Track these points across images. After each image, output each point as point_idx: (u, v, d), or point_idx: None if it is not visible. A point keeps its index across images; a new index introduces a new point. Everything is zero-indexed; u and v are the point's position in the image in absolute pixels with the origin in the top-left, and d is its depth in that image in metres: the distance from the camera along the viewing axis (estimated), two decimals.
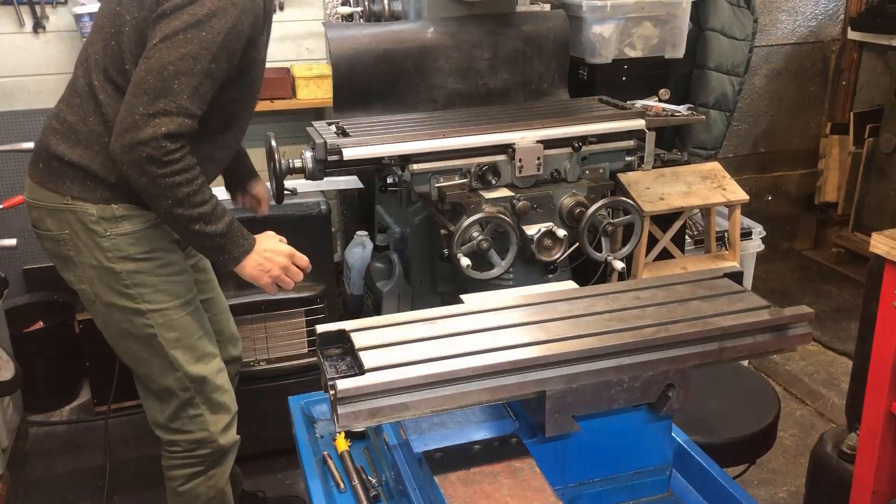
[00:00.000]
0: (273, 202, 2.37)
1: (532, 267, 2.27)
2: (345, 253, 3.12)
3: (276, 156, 2.18)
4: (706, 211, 3.02)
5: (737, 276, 1.58)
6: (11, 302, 3.34)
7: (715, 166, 3.09)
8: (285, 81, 3.45)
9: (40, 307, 3.43)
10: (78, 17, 3.20)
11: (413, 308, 2.60)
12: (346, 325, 1.40)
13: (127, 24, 1.82)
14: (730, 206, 2.98)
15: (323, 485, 1.58)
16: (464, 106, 2.68)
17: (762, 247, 3.41)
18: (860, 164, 4.39)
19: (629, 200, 2.32)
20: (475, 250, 2.13)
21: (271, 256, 1.94)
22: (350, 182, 3.01)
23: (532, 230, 2.19)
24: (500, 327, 1.40)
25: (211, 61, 1.75)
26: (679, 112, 2.53)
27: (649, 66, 3.01)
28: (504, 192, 2.22)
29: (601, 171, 2.37)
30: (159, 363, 2.01)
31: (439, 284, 2.56)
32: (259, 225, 1.99)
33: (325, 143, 2.16)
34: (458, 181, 2.22)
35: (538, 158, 2.24)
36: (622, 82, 2.96)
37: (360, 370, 1.27)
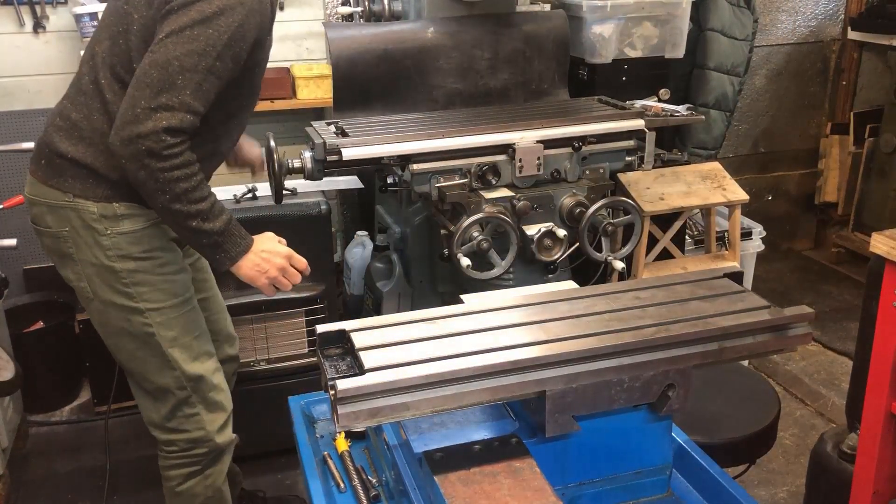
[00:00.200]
0: (274, 202, 2.37)
1: (532, 267, 2.27)
2: (345, 253, 3.12)
3: (276, 156, 2.18)
4: (706, 211, 3.02)
5: (737, 276, 1.58)
6: (11, 302, 3.34)
7: (715, 166, 3.09)
8: (285, 81, 3.45)
9: (40, 307, 3.43)
10: (78, 17, 3.20)
11: (413, 308, 2.60)
12: (346, 325, 1.40)
13: (135, 23, 1.82)
14: (730, 206, 2.98)
15: (323, 485, 1.58)
16: (464, 106, 2.68)
17: (762, 247, 3.41)
18: (860, 164, 4.39)
19: (629, 200, 2.32)
20: (475, 250, 2.13)
21: (268, 257, 1.93)
22: (350, 182, 3.01)
23: (532, 230, 2.19)
24: (500, 327, 1.40)
25: (216, 59, 1.75)
26: (678, 112, 2.53)
27: (649, 66, 3.01)
28: (504, 192, 2.22)
29: (601, 171, 2.37)
30: (156, 362, 2.01)
31: (439, 284, 2.56)
32: (259, 226, 1.99)
33: (325, 143, 2.16)
34: (458, 181, 2.22)
35: (538, 158, 2.24)
36: (622, 82, 2.96)
37: (360, 370, 1.27)
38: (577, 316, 1.44)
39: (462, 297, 1.60)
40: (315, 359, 1.41)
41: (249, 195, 2.75)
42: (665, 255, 3.05)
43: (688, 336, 1.37)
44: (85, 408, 3.39)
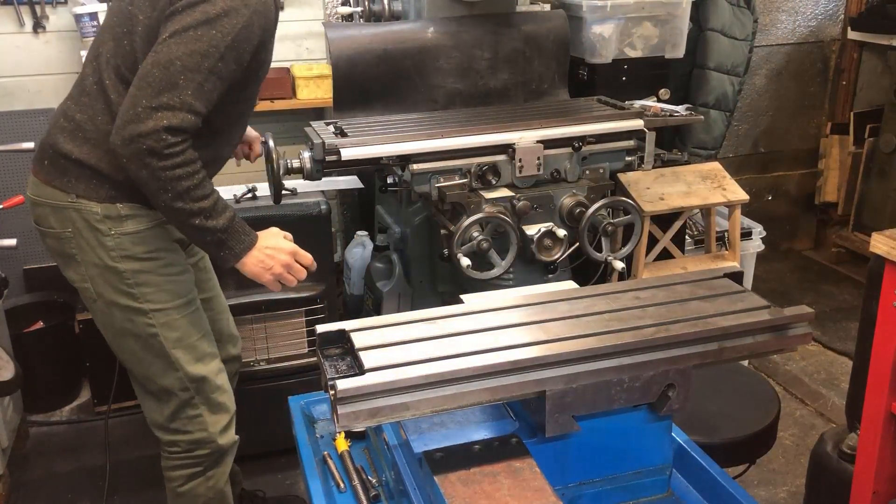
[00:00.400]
0: (273, 202, 2.37)
1: (532, 267, 2.27)
2: (345, 253, 3.12)
3: (275, 156, 2.18)
4: (706, 211, 3.02)
5: (737, 276, 1.58)
6: (11, 302, 3.34)
7: (715, 166, 3.09)
8: (285, 81, 3.45)
9: (40, 307, 3.43)
10: (78, 17, 3.20)
11: (413, 308, 2.60)
12: (346, 325, 1.40)
13: (140, 24, 1.82)
14: (730, 206, 2.98)
15: (323, 485, 1.58)
16: (464, 106, 2.68)
17: (762, 247, 3.41)
18: (860, 164, 4.39)
19: (629, 200, 2.32)
20: (475, 250, 2.13)
21: (273, 254, 1.93)
22: (350, 182, 3.01)
23: (532, 230, 2.19)
24: (500, 327, 1.40)
25: (219, 60, 1.75)
26: (678, 112, 2.53)
27: (649, 66, 3.01)
28: (504, 192, 2.22)
29: (601, 171, 2.37)
30: (160, 363, 2.01)
31: (439, 284, 2.56)
32: (259, 226, 1.99)
33: (324, 143, 2.16)
34: (458, 181, 2.22)
35: (538, 158, 2.24)
36: (622, 82, 2.96)
37: (360, 370, 1.27)
38: (577, 316, 1.44)
39: (462, 297, 1.59)
40: (315, 359, 1.41)
41: (249, 195, 2.75)
42: (665, 255, 3.05)
43: (688, 336, 1.37)
44: (85, 408, 3.39)
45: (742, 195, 2.97)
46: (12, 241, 2.84)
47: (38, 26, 3.35)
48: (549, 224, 2.21)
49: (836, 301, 4.21)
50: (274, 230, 1.98)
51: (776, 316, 1.42)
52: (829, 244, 4.72)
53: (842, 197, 4.58)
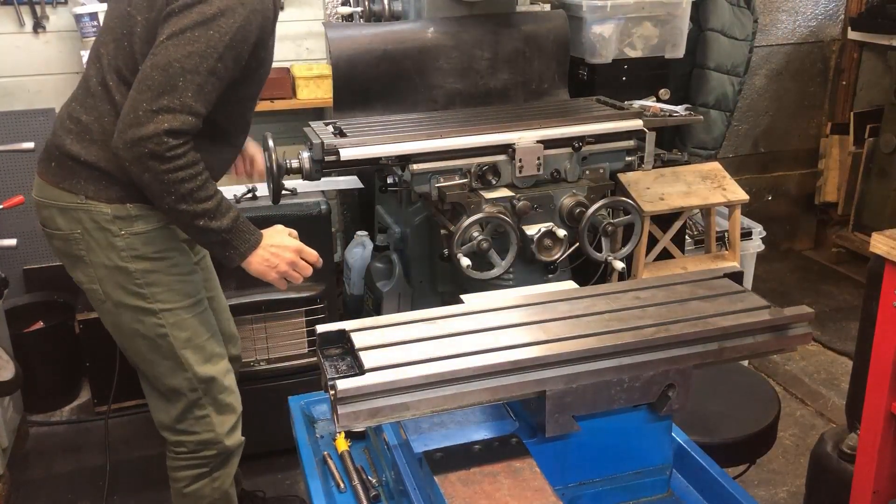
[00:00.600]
0: (271, 202, 2.37)
1: (532, 267, 2.27)
2: (345, 253, 3.12)
3: (274, 156, 2.18)
4: (706, 211, 3.02)
5: (737, 276, 1.58)
6: (11, 302, 3.34)
7: (715, 166, 3.09)
8: (285, 81, 3.45)
9: (40, 307, 3.43)
10: (78, 17, 3.20)
11: (413, 308, 2.60)
12: (346, 325, 1.40)
13: (138, 25, 1.82)
14: (730, 206, 2.98)
15: (323, 485, 1.58)
16: (464, 106, 2.68)
17: (762, 247, 3.41)
18: (860, 164, 4.39)
19: (629, 200, 2.32)
20: (475, 250, 2.13)
21: (278, 252, 1.93)
22: (350, 182, 3.01)
23: (532, 230, 2.19)
24: (500, 327, 1.40)
25: (217, 60, 1.75)
26: (677, 112, 2.53)
27: (649, 66, 3.01)
28: (504, 192, 2.22)
29: (601, 171, 2.37)
30: (169, 363, 2.00)
31: (439, 284, 2.56)
32: (259, 226, 1.98)
33: (323, 143, 2.16)
34: (458, 181, 2.22)
35: (538, 158, 2.24)
36: (622, 82, 2.96)
37: (360, 370, 1.27)
38: (577, 316, 1.44)
39: (462, 297, 1.59)
40: (315, 359, 1.41)
41: (249, 195, 2.75)
42: (665, 255, 3.05)
43: (688, 336, 1.37)
44: (85, 408, 3.39)
45: (742, 195, 2.97)
46: (12, 241, 2.84)
47: (38, 26, 3.35)
48: (549, 224, 2.21)
49: (836, 301, 4.22)
50: (279, 228, 1.98)
51: (776, 316, 1.42)
52: (829, 244, 4.72)
53: (842, 197, 4.58)
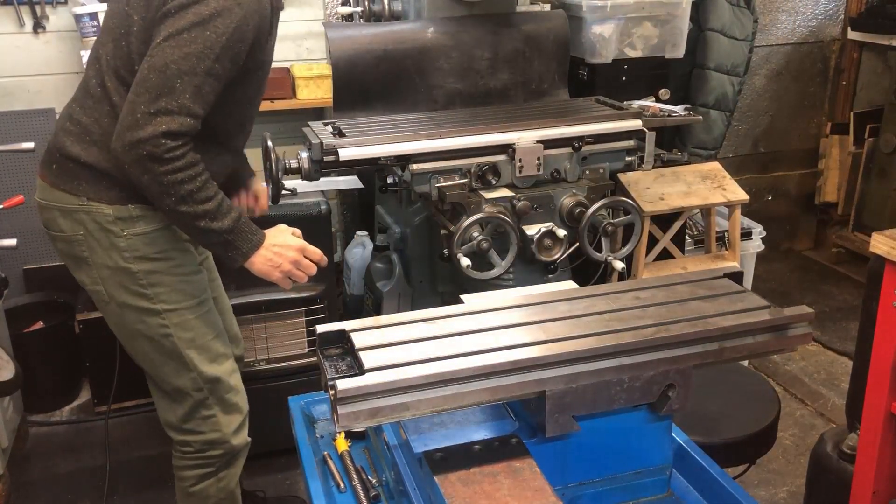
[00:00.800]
0: (270, 202, 2.37)
1: (532, 267, 2.27)
2: (345, 253, 3.12)
3: (273, 156, 2.18)
4: (706, 211, 3.02)
5: (737, 276, 1.58)
6: (11, 302, 3.34)
7: (715, 166, 3.09)
8: (285, 81, 3.45)
9: (40, 307, 3.43)
10: (78, 17, 3.20)
11: (413, 308, 2.60)
12: (346, 325, 1.40)
13: (135, 25, 1.82)
14: (730, 206, 2.98)
15: (323, 485, 1.58)
16: (464, 106, 2.68)
17: (762, 247, 3.41)
18: (860, 164, 4.39)
19: (629, 200, 2.32)
20: (475, 250, 2.13)
21: (280, 251, 1.93)
22: (350, 182, 3.01)
23: (532, 230, 2.19)
24: (500, 327, 1.40)
25: (215, 61, 1.74)
26: (676, 112, 2.53)
27: (649, 66, 3.01)
28: (504, 192, 2.22)
29: (601, 171, 2.37)
30: (174, 364, 2.00)
31: (439, 284, 2.56)
32: (259, 226, 1.98)
33: (321, 143, 2.16)
34: (458, 181, 2.22)
35: (538, 158, 2.24)
36: (622, 82, 2.96)
37: (360, 370, 1.27)
38: (577, 316, 1.44)
39: (462, 297, 1.59)
40: (315, 359, 1.41)
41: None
42: (665, 255, 3.05)
43: (688, 336, 1.37)
44: (85, 408, 3.39)
45: (742, 195, 2.97)
46: (12, 241, 2.84)
47: (38, 26, 3.35)
48: (549, 224, 2.21)
49: (836, 301, 4.22)
50: (281, 227, 1.98)
51: (776, 316, 1.42)
52: (829, 244, 4.72)
53: (842, 197, 4.58)
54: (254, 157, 2.42)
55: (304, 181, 2.25)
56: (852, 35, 4.37)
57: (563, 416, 1.31)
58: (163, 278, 1.95)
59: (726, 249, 3.11)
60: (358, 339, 1.35)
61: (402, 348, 1.33)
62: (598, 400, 1.33)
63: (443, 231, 2.22)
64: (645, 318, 1.42)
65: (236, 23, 1.75)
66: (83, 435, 3.23)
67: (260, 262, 1.91)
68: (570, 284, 1.75)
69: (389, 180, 2.44)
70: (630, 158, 2.41)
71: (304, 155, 2.19)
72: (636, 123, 2.38)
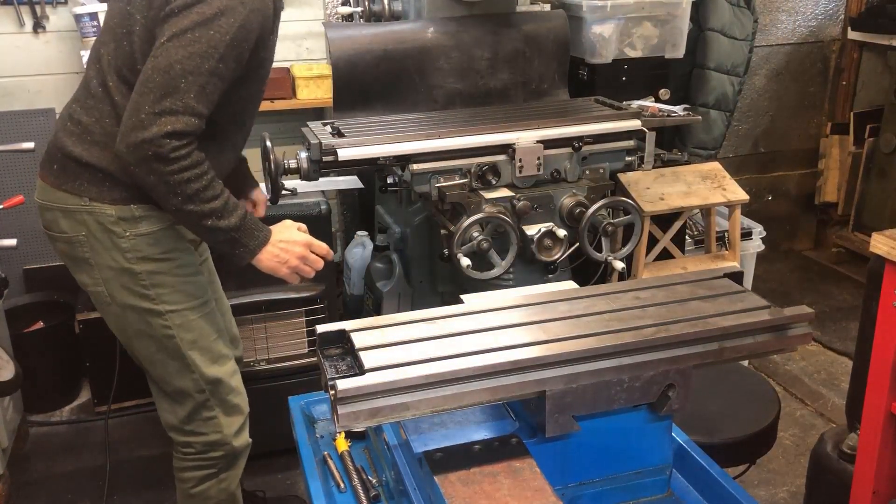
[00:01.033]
0: (269, 202, 2.37)
1: (532, 267, 2.27)
2: (345, 253, 3.12)
3: (272, 156, 2.18)
4: (706, 211, 3.02)
5: (737, 276, 1.58)
6: (11, 302, 3.34)
7: (715, 166, 3.09)
8: (285, 81, 3.45)
9: (40, 307, 3.43)
10: (78, 17, 3.20)
11: (413, 308, 2.60)
12: (346, 325, 1.40)
13: (137, 24, 1.82)
14: (730, 206, 2.98)
15: (323, 485, 1.58)
16: (464, 106, 2.68)
17: (762, 247, 3.41)
18: (860, 164, 4.39)
19: (629, 200, 2.32)
20: (475, 250, 2.13)
21: (287, 247, 1.93)
22: (350, 182, 3.01)
23: (532, 230, 2.19)
24: (500, 327, 1.40)
25: (219, 61, 1.74)
26: (675, 112, 2.53)
27: (649, 66, 3.01)
28: (504, 192, 2.22)
29: (601, 171, 2.37)
30: (175, 365, 2.00)
31: (439, 284, 2.56)
32: (264, 223, 1.98)
33: (320, 143, 2.16)
34: (458, 181, 2.22)
35: (538, 158, 2.24)
36: (622, 82, 2.96)
37: (360, 370, 1.27)
38: (577, 316, 1.44)
39: (462, 297, 1.59)
40: (315, 359, 1.41)
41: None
42: (665, 255, 3.05)
43: (688, 336, 1.37)
44: (85, 408, 3.39)
45: (742, 195, 2.97)
46: (12, 241, 2.84)
47: (38, 26, 3.35)
48: (549, 224, 2.21)
49: (836, 301, 4.22)
50: (287, 223, 1.98)
51: (776, 316, 1.42)
52: (829, 244, 4.72)
53: (842, 197, 4.58)
54: (253, 157, 2.42)
55: (304, 181, 2.25)
56: (852, 35, 4.37)
57: (563, 416, 1.31)
58: (165, 279, 1.95)
59: (726, 249, 3.11)
60: (358, 339, 1.35)
61: (402, 348, 1.33)
62: (598, 400, 1.33)
63: (443, 231, 2.22)
64: (645, 318, 1.42)
65: (240, 22, 1.75)
66: (83, 435, 3.23)
67: (267, 258, 1.91)
68: (570, 284, 1.75)
69: (389, 180, 2.44)
70: (630, 158, 2.41)
71: (303, 155, 2.19)
72: (635, 123, 2.38)
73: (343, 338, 1.39)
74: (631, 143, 2.39)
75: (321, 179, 2.34)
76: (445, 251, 2.17)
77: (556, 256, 2.23)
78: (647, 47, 2.99)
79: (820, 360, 3.66)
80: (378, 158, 2.19)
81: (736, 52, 3.28)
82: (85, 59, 2.91)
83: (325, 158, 2.17)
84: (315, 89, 3.47)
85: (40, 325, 3.36)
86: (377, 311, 2.66)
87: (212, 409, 2.05)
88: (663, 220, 2.97)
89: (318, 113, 3.55)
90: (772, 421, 2.11)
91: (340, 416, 1.22)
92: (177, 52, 1.71)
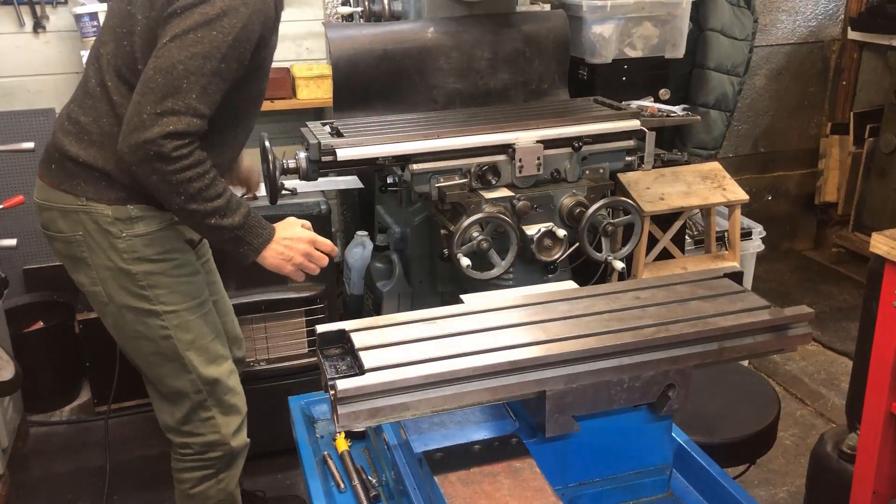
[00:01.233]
0: (269, 202, 2.36)
1: (532, 267, 2.27)
2: (345, 253, 3.12)
3: (270, 156, 2.18)
4: (706, 211, 3.02)
5: (737, 276, 1.58)
6: (11, 302, 3.34)
7: (715, 166, 3.09)
8: (285, 81, 3.45)
9: (40, 307, 3.43)
10: (78, 17, 3.20)
11: (413, 308, 2.60)
12: (346, 325, 1.40)
13: (139, 24, 1.82)
14: (730, 206, 2.98)
15: (323, 485, 1.58)
16: (464, 106, 2.68)
17: (762, 247, 3.41)
18: (860, 164, 4.39)
19: (629, 200, 2.32)
20: (475, 250, 2.13)
21: (291, 244, 1.93)
22: (350, 182, 3.01)
23: (532, 230, 2.19)
24: (500, 327, 1.40)
25: (221, 61, 1.74)
26: (674, 112, 2.53)
27: (649, 66, 3.01)
28: (504, 192, 2.22)
29: (601, 171, 2.37)
30: (173, 365, 2.00)
31: (439, 284, 2.56)
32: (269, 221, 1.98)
33: (319, 143, 2.16)
34: (458, 181, 2.22)
35: (538, 158, 2.24)
36: (622, 82, 2.96)
37: (360, 370, 1.27)
38: (577, 316, 1.44)
39: (462, 297, 1.60)
40: (315, 359, 1.41)
41: (249, 195, 2.75)
42: (665, 255, 3.05)
43: (688, 336, 1.37)
44: (85, 408, 3.39)
45: (742, 195, 2.97)
46: (12, 241, 2.84)
47: (38, 26, 3.35)
48: (549, 224, 2.21)
49: (836, 301, 4.22)
50: (291, 220, 1.98)
51: (776, 316, 1.42)
52: (829, 244, 4.72)
53: (842, 197, 4.58)
54: (253, 156, 2.42)
55: (303, 181, 2.25)
56: (852, 35, 4.37)
57: (563, 416, 1.31)
58: (162, 280, 1.95)
59: (726, 249, 3.10)
60: (358, 339, 1.35)
61: (402, 348, 1.33)
62: (598, 400, 1.33)
63: (443, 231, 2.22)
64: (645, 318, 1.42)
65: (242, 22, 1.75)
66: (83, 435, 3.23)
67: (271, 256, 1.91)
68: (570, 284, 1.75)
69: (389, 180, 2.44)
70: (630, 158, 2.41)
71: (302, 155, 2.19)
72: (634, 123, 2.38)
73: (343, 338, 1.39)
74: (631, 143, 2.39)
75: (321, 179, 2.34)
76: (445, 251, 2.17)
77: (556, 256, 2.23)
78: (647, 47, 2.99)
79: (820, 360, 3.66)
80: (377, 158, 2.19)
81: (736, 52, 3.28)
82: (85, 60, 2.91)
83: (324, 158, 2.17)
84: (315, 89, 3.47)
85: (40, 325, 3.36)
86: (377, 311, 2.66)
87: (209, 410, 2.05)
88: (663, 220, 2.97)
89: (318, 113, 3.55)
90: (772, 421, 2.11)
91: (340, 416, 1.22)
92: (179, 52, 1.71)
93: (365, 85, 2.60)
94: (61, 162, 1.92)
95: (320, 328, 1.39)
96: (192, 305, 2.00)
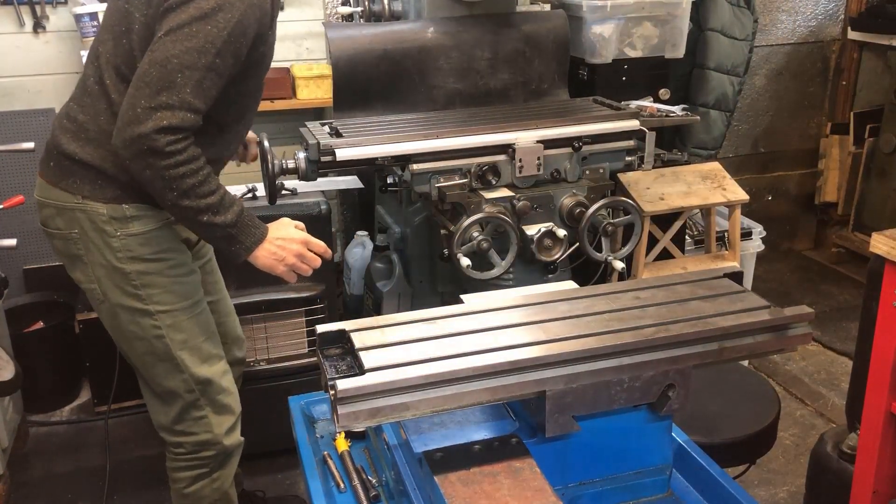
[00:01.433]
0: (268, 202, 2.36)
1: (532, 267, 2.27)
2: (345, 253, 3.12)
3: (269, 156, 2.18)
4: (706, 211, 3.02)
5: (737, 276, 1.58)
6: (11, 302, 3.34)
7: (715, 166, 3.09)
8: (285, 81, 3.45)
9: (40, 307, 3.43)
10: (78, 17, 3.20)
11: (413, 308, 2.60)
12: (346, 325, 1.40)
13: (136, 22, 1.82)
14: (730, 206, 2.98)
15: (323, 485, 1.58)
16: (464, 106, 2.68)
17: (762, 247, 3.41)
18: (860, 164, 4.39)
19: (629, 200, 2.32)
20: (475, 250, 2.13)
21: (284, 244, 1.92)
22: (350, 182, 3.01)
23: (532, 230, 2.19)
24: (500, 327, 1.40)
25: (216, 56, 1.74)
26: (674, 112, 2.53)
27: (649, 66, 3.01)
28: (504, 192, 2.22)
29: (601, 171, 2.37)
30: (165, 365, 2.00)
31: (439, 284, 2.56)
32: (267, 222, 1.98)
33: (318, 143, 2.16)
34: (458, 181, 2.22)
35: (538, 158, 2.24)
36: (622, 82, 2.96)
37: (360, 370, 1.27)
38: (577, 316, 1.44)
39: (462, 297, 1.60)
40: (315, 359, 1.41)
41: (249, 195, 2.75)
42: (665, 255, 3.05)
43: (688, 336, 1.37)
44: (85, 408, 3.39)
45: (742, 195, 2.97)
46: (12, 241, 2.84)
47: (38, 26, 3.35)
48: (549, 224, 2.21)
49: (836, 301, 4.22)
50: (284, 220, 1.97)
51: (776, 316, 1.42)
52: (829, 244, 4.72)
53: (842, 197, 4.58)
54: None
55: (302, 181, 2.25)
56: (852, 35, 4.37)
57: (563, 416, 1.31)
58: (156, 279, 1.95)
59: (726, 249, 3.10)
60: (358, 339, 1.35)
61: (402, 348, 1.33)
62: (598, 400, 1.33)
63: (443, 231, 2.22)
64: (645, 318, 1.42)
65: (237, 17, 1.75)
66: (83, 435, 3.23)
67: (264, 255, 1.91)
68: (570, 284, 1.75)
69: (389, 180, 2.44)
70: (630, 158, 2.41)
71: (302, 155, 2.18)
72: (634, 124, 2.38)
73: (343, 338, 1.39)
74: (631, 143, 2.39)
75: (321, 179, 2.34)
76: (445, 251, 2.17)
77: (556, 256, 2.23)
78: (647, 47, 2.99)
79: (820, 360, 3.66)
80: (377, 158, 2.19)
81: (736, 52, 3.28)
82: (84, 59, 2.91)
83: (323, 159, 2.17)
84: (315, 89, 3.47)
85: (40, 325, 3.36)
86: (377, 311, 2.66)
87: (202, 409, 2.05)
88: (663, 220, 2.97)
89: (318, 113, 3.55)
90: (772, 421, 2.11)
91: (340, 416, 1.22)
92: (174, 46, 1.71)
93: (365, 85, 2.60)
94: (59, 160, 1.92)
95: (320, 328, 1.39)
96: (185, 306, 2.00)
